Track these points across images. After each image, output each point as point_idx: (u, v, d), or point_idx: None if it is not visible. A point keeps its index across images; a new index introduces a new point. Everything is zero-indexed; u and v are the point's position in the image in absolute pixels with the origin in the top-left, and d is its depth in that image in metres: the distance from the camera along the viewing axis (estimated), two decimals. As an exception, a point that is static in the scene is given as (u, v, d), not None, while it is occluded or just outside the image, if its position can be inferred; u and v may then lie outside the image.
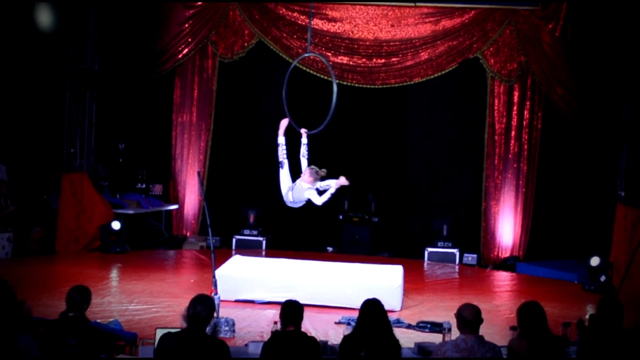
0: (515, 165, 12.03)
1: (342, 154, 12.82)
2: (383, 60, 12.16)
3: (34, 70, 11.37)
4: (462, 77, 12.31)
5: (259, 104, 12.86)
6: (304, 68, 12.11)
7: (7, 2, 10.80)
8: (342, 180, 7.83)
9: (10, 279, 5.13)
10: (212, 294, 7.03)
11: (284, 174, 8.12)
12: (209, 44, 12.53)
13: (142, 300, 8.21)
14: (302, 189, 7.96)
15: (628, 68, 10.79)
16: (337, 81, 7.45)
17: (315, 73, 12.17)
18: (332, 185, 7.90)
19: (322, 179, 8.04)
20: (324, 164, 8.21)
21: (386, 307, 4.82)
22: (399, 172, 12.85)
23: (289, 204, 8.22)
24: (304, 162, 8.20)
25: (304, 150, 8.23)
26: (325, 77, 12.03)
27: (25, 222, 11.02)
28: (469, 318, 4.51)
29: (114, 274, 10.13)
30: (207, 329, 4.44)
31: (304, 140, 8.24)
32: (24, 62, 11.26)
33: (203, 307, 4.38)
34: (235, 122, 12.97)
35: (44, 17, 11.35)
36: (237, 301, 8.18)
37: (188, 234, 12.80)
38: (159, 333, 4.86)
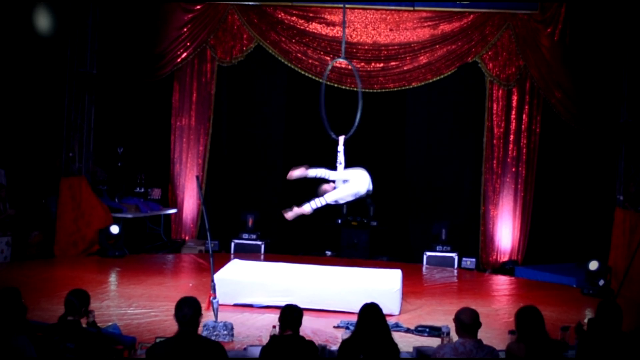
0: (513, 169, 12.03)
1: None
2: (382, 65, 12.15)
3: (33, 74, 11.36)
4: (460, 81, 12.30)
5: (258, 108, 12.88)
6: (303, 72, 12.13)
7: (5, 5, 10.80)
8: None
9: (9, 283, 5.13)
10: (211, 298, 7.05)
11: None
12: (207, 48, 12.51)
13: (140, 304, 8.21)
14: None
15: (626, 72, 10.79)
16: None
17: (314, 77, 12.14)
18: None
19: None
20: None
21: (385, 311, 4.83)
22: (398, 176, 12.81)
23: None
24: (340, 169, 8.29)
25: (341, 157, 8.31)
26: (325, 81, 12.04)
27: (23, 226, 11.01)
28: (468, 322, 4.52)
29: (113, 278, 10.13)
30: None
31: (341, 147, 8.34)
32: (22, 66, 11.25)
33: (189, 307, 4.39)
34: (234, 126, 12.96)
35: (43, 21, 11.34)
36: (235, 305, 8.18)
37: (187, 238, 12.78)
38: (159, 342, 4.86)
